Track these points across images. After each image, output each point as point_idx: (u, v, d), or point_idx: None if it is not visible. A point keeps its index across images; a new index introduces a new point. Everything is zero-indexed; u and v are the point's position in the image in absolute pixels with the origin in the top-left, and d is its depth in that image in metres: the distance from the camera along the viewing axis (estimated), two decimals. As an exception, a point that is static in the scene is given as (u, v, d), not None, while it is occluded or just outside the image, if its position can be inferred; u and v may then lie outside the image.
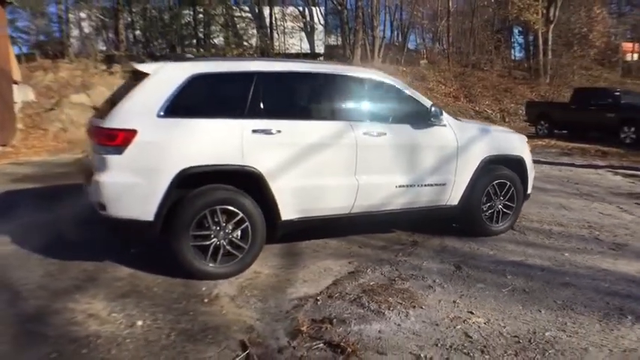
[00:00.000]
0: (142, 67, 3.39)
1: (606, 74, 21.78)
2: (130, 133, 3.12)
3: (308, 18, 23.33)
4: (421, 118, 4.03)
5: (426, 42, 31.38)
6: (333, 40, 28.39)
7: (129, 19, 18.33)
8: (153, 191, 3.21)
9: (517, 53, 29.34)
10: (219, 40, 19.84)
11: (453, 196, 4.25)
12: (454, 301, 3.17)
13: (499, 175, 4.40)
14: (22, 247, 4.07)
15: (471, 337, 2.71)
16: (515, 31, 27.48)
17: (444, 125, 4.11)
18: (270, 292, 3.32)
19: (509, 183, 4.45)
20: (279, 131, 3.46)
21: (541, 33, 21.53)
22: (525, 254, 4.06)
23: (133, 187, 3.19)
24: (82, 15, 16.79)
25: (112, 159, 3.15)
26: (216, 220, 3.37)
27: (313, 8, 23.84)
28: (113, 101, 3.53)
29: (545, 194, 6.09)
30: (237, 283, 3.43)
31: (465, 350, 2.57)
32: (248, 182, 3.43)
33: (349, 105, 3.81)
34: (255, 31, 20.74)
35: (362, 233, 4.49)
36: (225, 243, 3.42)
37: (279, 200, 3.52)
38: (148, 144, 3.17)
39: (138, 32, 18.80)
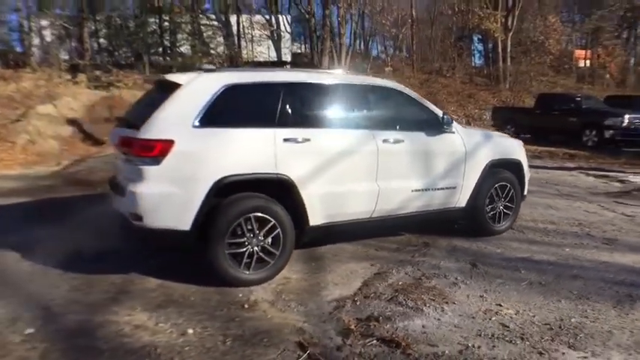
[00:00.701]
0: (173, 78, 3.44)
1: (562, 80, 23.15)
2: (168, 144, 3.16)
3: (275, 26, 23.48)
4: (433, 126, 4.26)
5: (387, 49, 32.25)
6: (296, 48, 28.73)
7: (93, 28, 17.85)
8: (190, 201, 3.26)
9: (477, 60, 30.66)
10: (185, 49, 19.67)
11: (462, 199, 4.50)
12: (481, 296, 3.39)
13: (501, 178, 4.69)
14: (36, 262, 3.97)
15: (507, 327, 2.93)
16: (475, 38, 28.71)
17: (453, 132, 4.36)
18: (306, 295, 3.43)
19: (509, 185, 4.76)
20: (308, 140, 3.59)
21: (500, 41, 22.63)
22: (530, 251, 4.36)
23: (171, 198, 3.23)
24: (44, 23, 16.22)
25: (150, 170, 3.18)
26: (249, 227, 3.44)
27: (280, 16, 24.06)
28: (140, 112, 3.57)
29: (530, 195, 6.43)
30: (271, 289, 3.51)
31: (506, 339, 2.78)
32: (280, 190, 3.53)
33: (370, 114, 3.99)
34: (222, 39, 20.69)
35: (373, 237, 4.65)
36: (258, 250, 3.50)
37: (308, 206, 3.63)
38: (185, 154, 3.22)
39: (102, 41, 18.34)
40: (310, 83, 3.80)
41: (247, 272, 3.49)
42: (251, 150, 3.43)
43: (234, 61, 20.26)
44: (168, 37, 18.86)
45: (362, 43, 31.49)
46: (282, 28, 23.93)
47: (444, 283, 3.63)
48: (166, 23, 18.68)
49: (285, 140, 3.51)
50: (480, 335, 2.83)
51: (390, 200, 4.05)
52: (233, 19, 21.17)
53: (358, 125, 3.90)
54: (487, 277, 3.73)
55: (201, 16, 20.14)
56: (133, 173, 3.24)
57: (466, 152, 4.42)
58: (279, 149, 3.48)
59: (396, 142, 4.01)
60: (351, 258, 4.19)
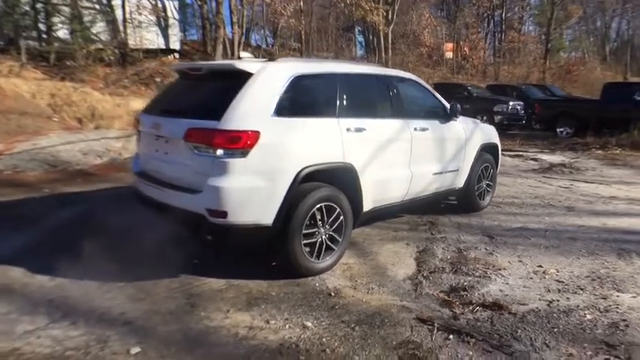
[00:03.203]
0: (242, 66, 3.27)
1: (437, 71, 25.72)
2: (255, 135, 3.05)
3: (163, 12, 22.02)
4: (443, 114, 4.68)
5: (267, 39, 32.39)
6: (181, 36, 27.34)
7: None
8: (274, 193, 3.19)
9: (359, 51, 32.37)
10: (64, 33, 17.46)
11: (461, 180, 5.03)
12: (520, 261, 3.91)
13: (486, 160, 5.33)
14: (54, 275, 3.45)
15: (562, 282, 3.48)
16: (357, 30, 30.26)
17: (456, 120, 4.83)
18: (377, 277, 3.59)
19: (490, 166, 5.43)
20: (364, 129, 3.72)
21: (383, 33, 24.30)
22: (520, 221, 5.06)
23: (258, 191, 3.13)
24: None
25: (236, 162, 3.03)
26: (319, 217, 3.48)
27: (167, 1, 22.62)
28: (200, 100, 3.40)
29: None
30: (339, 275, 3.60)
31: (571, 291, 3.33)
32: (344, 177, 3.61)
33: (404, 104, 4.24)
34: (104, 24, 18.79)
35: (380, 220, 4.88)
36: (326, 238, 3.56)
37: (364, 193, 3.78)
38: (270, 145, 3.13)
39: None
40: (359, 74, 3.93)
41: (317, 261, 3.53)
42: (323, 139, 3.46)
43: (121, 48, 18.60)
44: (43, 20, 16.50)
45: (246, 33, 31.20)
46: (170, 14, 22.57)
47: (481, 253, 4.09)
48: (40, 4, 16.30)
49: (348, 130, 3.60)
50: (550, 291, 3.33)
51: (418, 183, 4.38)
52: (117, 2, 19.30)
53: (397, 115, 4.14)
54: (509, 246, 4.28)
55: (80, -3, 17.96)
56: (214, 167, 3.04)
57: (466, 138, 4.93)
58: (344, 138, 3.56)
59: (423, 130, 4.34)
60: (382, 240, 4.42)
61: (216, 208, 3.07)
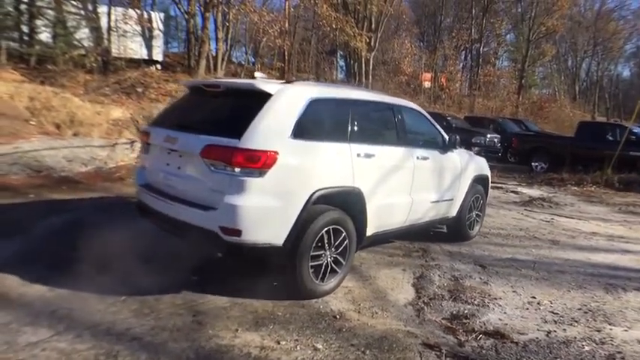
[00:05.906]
0: (264, 87, 3.32)
1: (415, 99, 26.41)
2: (273, 155, 3.10)
3: (148, 22, 21.93)
4: (443, 145, 4.84)
5: (248, 57, 32.69)
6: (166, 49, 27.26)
7: None
8: (288, 214, 3.23)
9: (340, 75, 32.88)
10: (46, 37, 17.16)
11: (455, 209, 5.17)
12: (514, 291, 4.04)
13: (477, 191, 5.50)
14: (52, 285, 3.39)
15: (557, 313, 3.62)
16: (338, 54, 30.80)
17: (453, 151, 5.00)
18: (379, 302, 3.64)
19: (480, 197, 5.60)
20: (373, 155, 3.82)
21: (364, 59, 24.88)
22: (508, 252, 5.22)
23: (273, 211, 3.16)
24: None
25: (253, 182, 3.06)
26: (326, 239, 3.52)
27: (152, 13, 22.56)
28: (217, 117, 3.44)
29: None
30: (342, 298, 3.63)
31: (567, 322, 3.46)
32: (351, 202, 3.67)
33: (408, 132, 4.37)
34: (87, 30, 18.56)
35: (373, 245, 4.94)
36: (331, 261, 3.59)
37: (369, 217, 3.85)
38: (286, 166, 3.18)
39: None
40: (371, 101, 4.06)
41: (322, 283, 3.56)
42: (335, 163, 3.53)
43: (104, 56, 18.37)
44: (26, 22, 16.18)
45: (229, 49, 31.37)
46: (155, 25, 22.50)
47: (476, 282, 4.20)
48: (24, 6, 16.00)
49: (358, 155, 3.69)
50: (546, 322, 3.45)
51: (417, 211, 4.48)
52: (103, 9, 19.12)
53: (403, 143, 4.26)
54: (502, 276, 4.41)
55: (67, 2, 17.74)
56: (231, 185, 3.06)
57: (461, 169, 5.10)
58: (354, 163, 3.64)
59: (424, 159, 4.47)
60: (379, 265, 4.49)
61: (231, 226, 3.07)
